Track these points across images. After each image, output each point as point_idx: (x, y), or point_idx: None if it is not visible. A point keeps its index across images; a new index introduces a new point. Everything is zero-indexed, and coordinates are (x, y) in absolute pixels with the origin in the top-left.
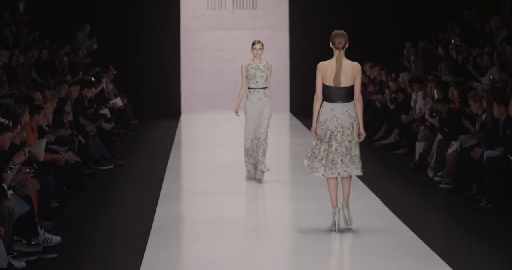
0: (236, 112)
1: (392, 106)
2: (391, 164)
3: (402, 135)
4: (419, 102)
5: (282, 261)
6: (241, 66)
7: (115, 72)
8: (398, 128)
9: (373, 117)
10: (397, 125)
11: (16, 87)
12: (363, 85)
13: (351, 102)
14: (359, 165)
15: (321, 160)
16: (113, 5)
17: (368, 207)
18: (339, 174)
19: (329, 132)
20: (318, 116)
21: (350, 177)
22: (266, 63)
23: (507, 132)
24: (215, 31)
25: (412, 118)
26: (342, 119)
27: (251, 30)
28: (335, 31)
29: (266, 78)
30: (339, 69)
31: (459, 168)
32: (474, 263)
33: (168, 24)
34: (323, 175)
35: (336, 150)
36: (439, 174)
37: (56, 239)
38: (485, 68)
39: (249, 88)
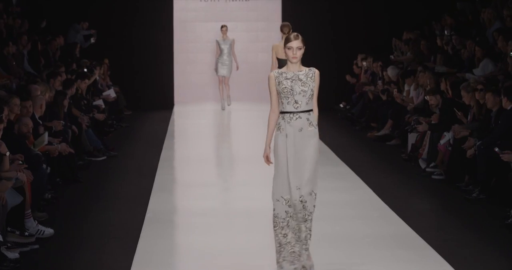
0: (267, 158)
1: (384, 98)
2: (384, 155)
3: (395, 126)
4: (411, 93)
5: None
6: (269, 77)
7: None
8: (391, 119)
9: (365, 109)
10: (390, 116)
11: (9, 79)
12: (356, 76)
13: None
14: None
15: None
16: None
17: (361, 198)
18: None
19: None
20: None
21: None
22: (309, 70)
23: (499, 122)
24: (208, 23)
25: (403, 97)
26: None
27: (244, 21)
28: (283, 23)
29: (311, 96)
30: None
31: (452, 159)
32: (466, 253)
33: (161, 16)
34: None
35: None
36: (432, 164)
37: (49, 231)
38: (478, 60)
39: (282, 112)
